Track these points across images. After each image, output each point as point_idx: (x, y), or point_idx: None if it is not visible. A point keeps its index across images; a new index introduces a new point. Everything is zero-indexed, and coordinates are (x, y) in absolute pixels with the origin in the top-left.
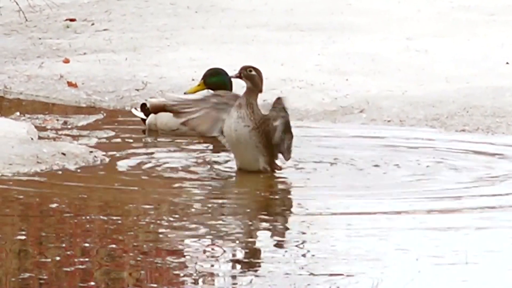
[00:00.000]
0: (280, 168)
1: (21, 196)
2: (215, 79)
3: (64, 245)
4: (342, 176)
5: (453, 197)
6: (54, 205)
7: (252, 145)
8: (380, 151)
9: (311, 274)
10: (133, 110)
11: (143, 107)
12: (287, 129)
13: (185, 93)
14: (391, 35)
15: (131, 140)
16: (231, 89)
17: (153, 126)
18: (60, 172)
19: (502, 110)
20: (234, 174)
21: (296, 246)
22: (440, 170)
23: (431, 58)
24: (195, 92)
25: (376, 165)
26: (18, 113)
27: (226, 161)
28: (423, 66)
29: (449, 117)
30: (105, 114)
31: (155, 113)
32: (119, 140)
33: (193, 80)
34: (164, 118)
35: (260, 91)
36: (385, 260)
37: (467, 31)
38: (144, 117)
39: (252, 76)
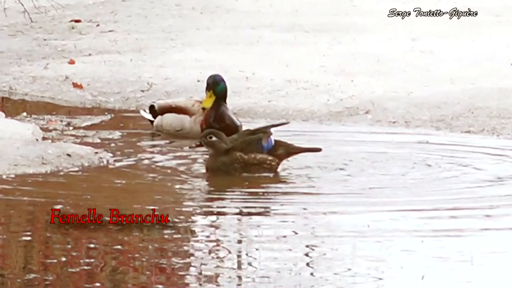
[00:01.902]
0: (277, 165)
1: (25, 198)
2: (219, 88)
3: (69, 246)
4: (342, 175)
5: (459, 198)
6: (59, 206)
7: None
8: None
9: (316, 274)
10: (142, 112)
11: (152, 108)
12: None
13: (203, 109)
14: (396, 36)
15: (136, 141)
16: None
17: (160, 127)
18: (65, 173)
19: (507, 111)
20: (237, 175)
21: (301, 246)
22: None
23: (436, 59)
24: (211, 104)
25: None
26: (24, 114)
27: None
28: (428, 67)
29: (454, 118)
30: (112, 116)
31: (162, 114)
32: (124, 141)
33: (198, 81)
34: (169, 119)
35: (223, 152)
36: (390, 261)
37: (472, 32)
38: (152, 118)
39: (213, 143)
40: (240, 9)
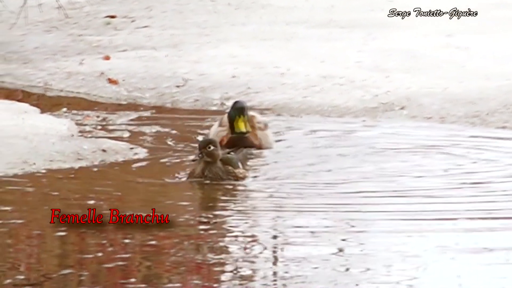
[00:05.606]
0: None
1: (56, 193)
2: (247, 114)
3: (104, 241)
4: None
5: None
6: (92, 202)
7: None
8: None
9: (351, 271)
10: None
11: None
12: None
13: (248, 132)
14: (431, 32)
15: (171, 137)
16: None
17: None
18: (100, 169)
19: None
20: (260, 176)
21: (336, 243)
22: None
23: (471, 55)
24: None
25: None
26: (65, 109)
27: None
28: (463, 63)
29: (490, 114)
30: (151, 112)
31: None
32: (159, 137)
33: (233, 77)
34: None
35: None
36: (425, 257)
37: (507, 28)
38: None
39: (212, 152)
40: (276, 5)
